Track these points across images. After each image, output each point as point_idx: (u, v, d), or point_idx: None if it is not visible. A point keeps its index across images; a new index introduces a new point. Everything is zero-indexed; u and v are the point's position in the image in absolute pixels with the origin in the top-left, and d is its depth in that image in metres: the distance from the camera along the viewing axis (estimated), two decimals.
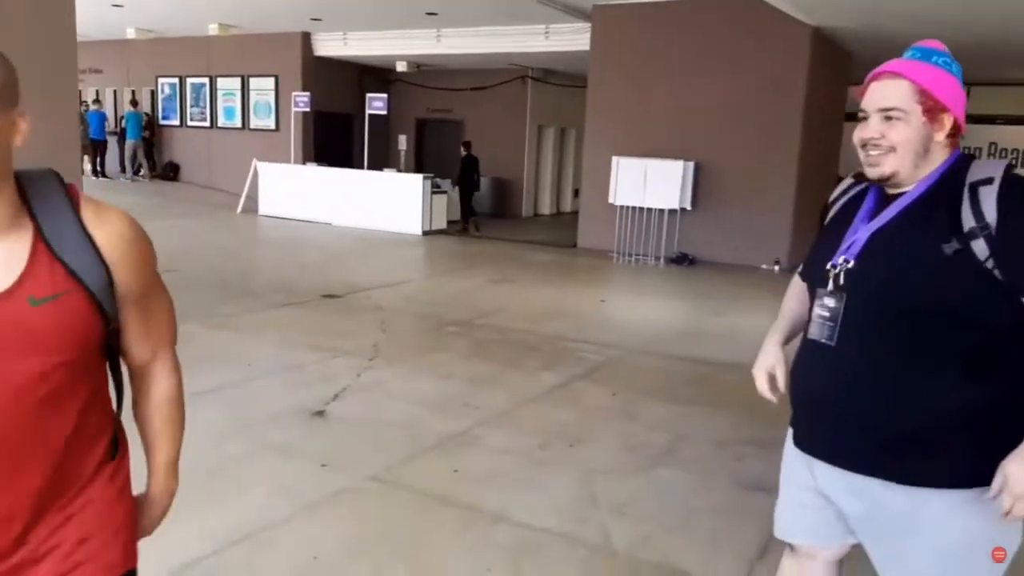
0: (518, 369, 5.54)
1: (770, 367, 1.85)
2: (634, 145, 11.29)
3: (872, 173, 1.61)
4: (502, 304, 7.94)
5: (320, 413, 4.48)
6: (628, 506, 3.44)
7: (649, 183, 10.95)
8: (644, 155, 11.05)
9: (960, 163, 1.58)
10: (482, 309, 7.59)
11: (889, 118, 1.56)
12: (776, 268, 10.74)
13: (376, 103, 13.76)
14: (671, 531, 3.24)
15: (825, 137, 12.29)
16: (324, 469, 3.70)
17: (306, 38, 16.00)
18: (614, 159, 11.18)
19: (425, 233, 13.15)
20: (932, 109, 1.55)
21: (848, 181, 1.81)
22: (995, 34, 10.31)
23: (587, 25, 11.99)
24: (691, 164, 10.96)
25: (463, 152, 14.37)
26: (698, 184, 11.10)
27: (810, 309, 1.72)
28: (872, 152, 1.59)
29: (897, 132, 1.55)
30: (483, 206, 17.11)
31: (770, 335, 1.92)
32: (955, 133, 1.59)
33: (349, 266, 10.05)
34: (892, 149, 1.56)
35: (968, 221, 1.48)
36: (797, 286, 1.94)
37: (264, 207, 14.72)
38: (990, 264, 1.46)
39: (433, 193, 13.52)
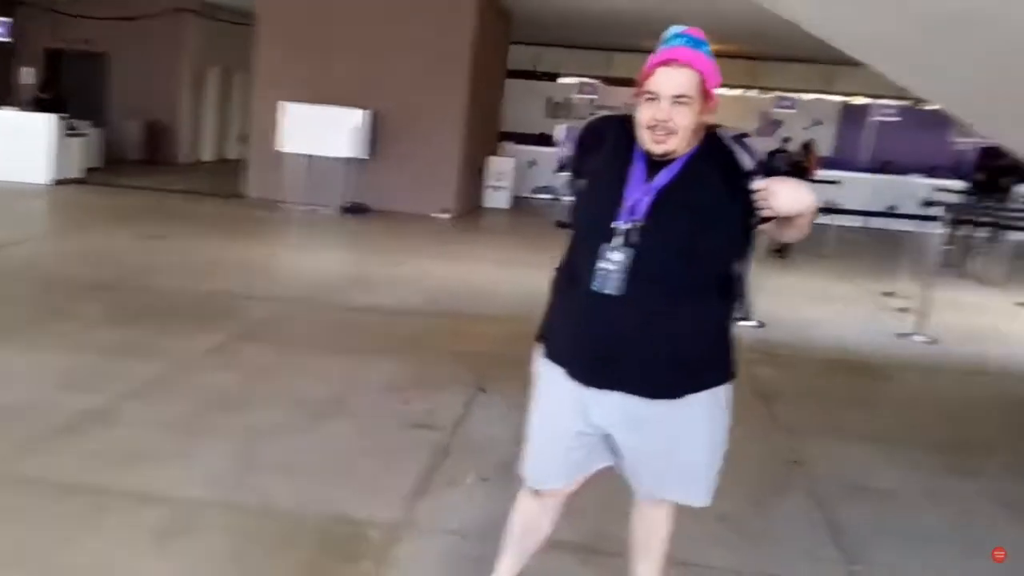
0: (169, 333, 5.03)
1: None
2: (308, 91, 10.76)
3: (658, 149, 1.80)
4: (154, 262, 7.20)
5: None
6: (292, 464, 3.32)
7: (324, 131, 10.60)
8: (318, 102, 10.63)
9: (716, 132, 1.88)
10: (129, 269, 6.81)
11: (678, 103, 1.76)
12: (445, 215, 11.13)
13: None
14: (336, 481, 3.19)
15: (490, 92, 12.91)
16: None
17: None
18: (283, 105, 10.63)
19: (57, 182, 11.40)
20: (706, 95, 1.79)
21: (605, 123, 2.00)
22: (634, 5, 11.52)
23: None
24: (368, 112, 10.83)
25: None
26: (374, 134, 11.02)
27: (580, 260, 1.89)
28: (659, 133, 1.78)
29: (682, 116, 1.77)
30: (131, 151, 15.36)
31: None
32: (710, 109, 1.83)
33: None
34: (675, 131, 1.78)
35: (747, 164, 1.81)
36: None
37: None
38: (746, 215, 1.80)
39: (68, 135, 11.77)
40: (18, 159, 11.28)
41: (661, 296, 1.82)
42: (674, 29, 1.85)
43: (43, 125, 11.47)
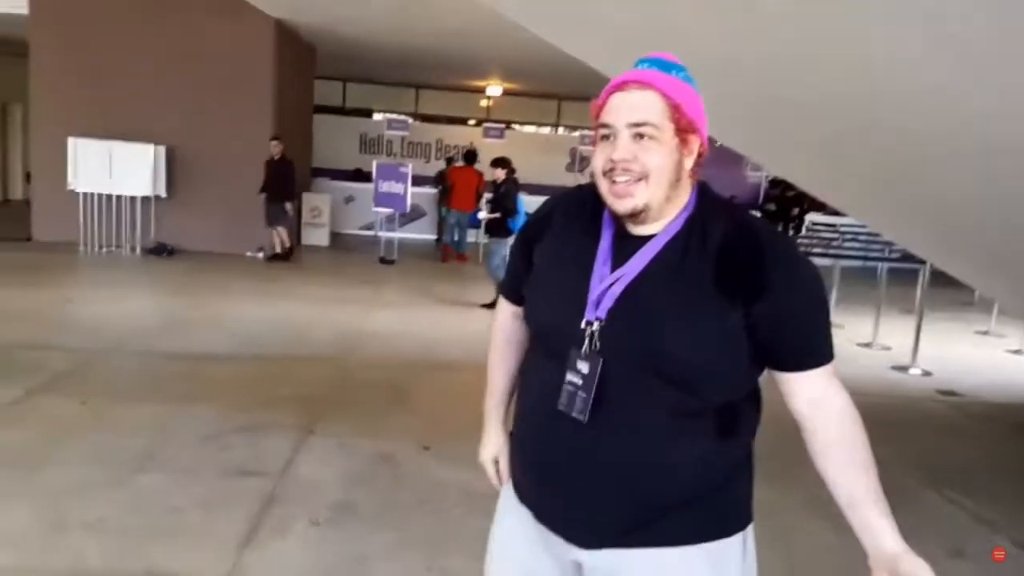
0: None
1: (494, 456, 1.67)
2: (93, 125, 10.20)
3: (622, 207, 1.32)
4: None
5: None
6: (104, 521, 3.18)
7: (116, 168, 10.04)
8: (107, 137, 10.08)
9: (706, 198, 1.39)
10: None
11: (640, 135, 1.30)
12: (260, 255, 10.86)
13: None
14: (155, 537, 3.09)
15: (298, 127, 12.78)
16: None
17: None
18: (71, 140, 9.97)
19: None
20: (684, 129, 1.32)
21: (553, 201, 1.53)
22: (434, 44, 11.92)
23: None
24: (163, 148, 10.38)
25: None
26: (172, 170, 10.57)
27: (548, 367, 1.41)
28: (620, 179, 1.31)
29: (651, 154, 1.30)
30: None
31: (488, 416, 1.69)
32: (699, 162, 1.36)
33: None
34: (644, 176, 1.30)
35: (730, 286, 1.29)
36: (501, 347, 1.69)
37: None
38: (750, 336, 1.31)
39: None
40: None
41: (633, 423, 1.34)
42: (641, 58, 1.39)
43: None
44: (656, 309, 1.31)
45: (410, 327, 7.43)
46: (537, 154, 16.61)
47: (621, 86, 1.33)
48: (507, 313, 1.66)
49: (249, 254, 10.77)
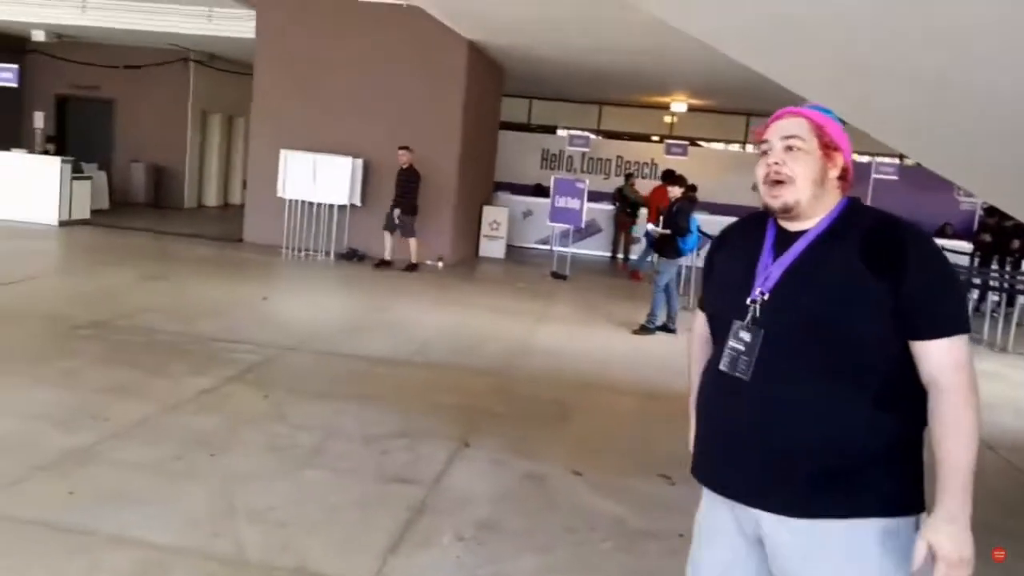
0: (161, 374, 5.13)
1: None
2: (301, 139, 11.08)
3: (775, 204, 1.67)
4: (152, 303, 7.30)
5: None
6: (268, 512, 3.36)
7: (319, 178, 10.81)
8: (313, 149, 10.89)
9: (855, 204, 1.71)
10: (127, 309, 6.91)
11: (790, 148, 1.65)
12: (440, 264, 11.26)
13: (4, 74, 11.82)
14: (310, 533, 3.22)
15: (483, 143, 13.16)
16: None
17: None
18: (282, 152, 10.87)
19: (63, 223, 11.62)
20: (827, 145, 1.66)
21: (734, 223, 1.90)
22: (623, 62, 11.85)
23: (253, 12, 11.47)
24: (360, 161, 11.04)
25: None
26: (367, 181, 11.22)
27: (716, 341, 1.74)
28: (773, 183, 1.66)
29: (797, 163, 1.64)
30: (137, 194, 15.62)
31: (691, 412, 1.87)
32: (845, 177, 1.69)
33: None
34: (792, 180, 1.64)
35: (874, 262, 1.56)
36: (697, 349, 1.92)
37: None
38: (891, 305, 1.54)
39: (74, 178, 12.00)
40: (27, 200, 11.57)
41: (791, 385, 1.59)
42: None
43: (51, 168, 11.71)
44: (809, 283, 1.61)
45: (577, 344, 7.37)
46: (722, 172, 16.04)
47: (779, 116, 1.73)
48: (701, 319, 1.92)
49: (429, 262, 11.20)
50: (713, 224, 10.59)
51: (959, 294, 1.65)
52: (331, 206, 11.01)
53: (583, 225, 12.39)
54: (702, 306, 1.91)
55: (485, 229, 13.00)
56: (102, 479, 3.53)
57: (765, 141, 1.71)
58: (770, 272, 1.66)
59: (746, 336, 1.64)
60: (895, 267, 1.54)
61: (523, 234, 14.51)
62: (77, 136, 15.70)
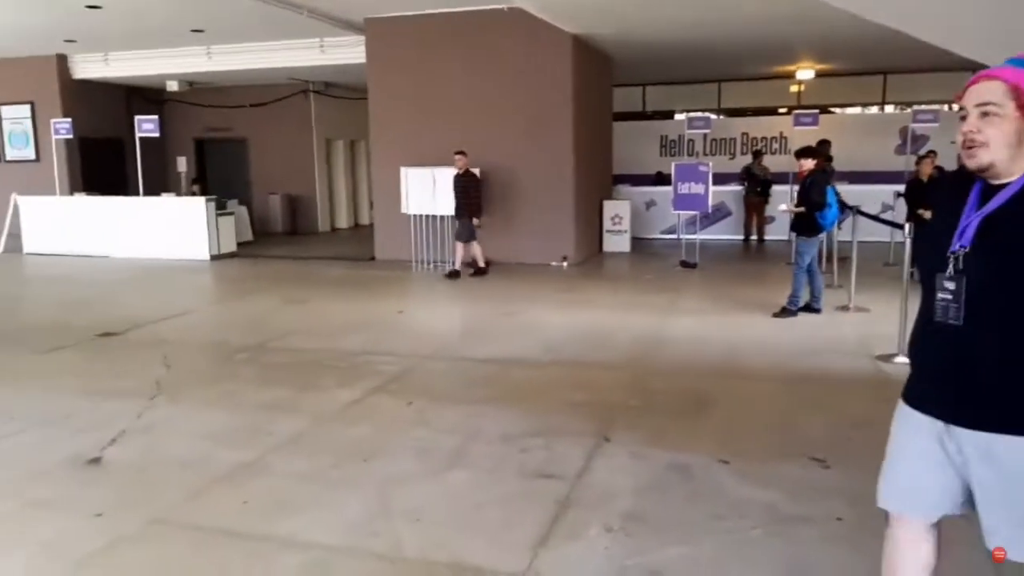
0: (312, 389, 5.46)
1: None
2: (419, 154, 11.44)
3: (970, 164, 1.82)
4: (296, 324, 7.77)
5: (95, 460, 4.19)
6: (421, 512, 3.51)
7: (438, 191, 11.13)
8: (430, 164, 11.22)
9: None
10: (275, 331, 7.39)
11: (985, 114, 1.77)
12: (564, 264, 11.32)
13: (146, 125, 12.92)
14: (461, 529, 3.35)
15: (598, 137, 13.12)
16: (100, 519, 3.47)
17: (62, 60, 14.78)
18: (403, 169, 11.26)
19: (214, 257, 12.54)
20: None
21: (944, 176, 2.17)
22: (734, 34, 11.48)
23: (362, 38, 11.97)
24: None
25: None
26: (485, 189, 11.43)
27: (929, 295, 1.91)
28: (969, 146, 1.80)
29: (991, 127, 1.76)
30: (276, 224, 16.60)
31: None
32: None
33: (129, 300, 9.38)
34: (986, 143, 1.77)
35: None
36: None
37: (30, 244, 13.49)
38: None
39: (219, 215, 12.93)
40: (180, 239, 12.58)
41: (999, 325, 1.78)
42: (1009, 58, 1.83)
43: (198, 207, 12.68)
44: (1006, 234, 1.76)
45: (711, 333, 7.22)
46: (860, 138, 15.22)
47: (975, 81, 1.81)
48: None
49: (554, 264, 11.28)
50: (854, 195, 10.08)
51: None
52: (452, 217, 11.29)
53: (710, 210, 12.11)
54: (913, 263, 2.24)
55: (607, 224, 12.95)
56: (269, 489, 3.81)
57: (962, 108, 1.82)
58: (970, 222, 1.81)
59: (951, 285, 1.82)
60: None
61: (647, 225, 14.35)
62: (216, 175, 16.90)
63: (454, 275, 10.59)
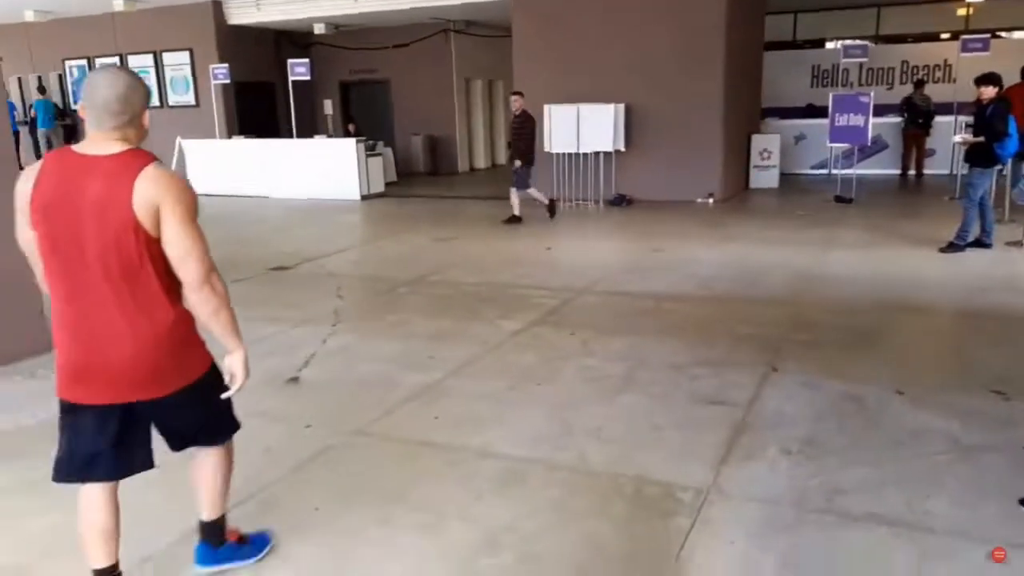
0: (477, 320, 5.74)
1: None
2: (563, 92, 11.41)
3: None
4: (451, 260, 8.10)
5: (294, 379, 4.61)
6: (599, 430, 3.71)
7: (582, 128, 11.12)
8: (574, 101, 11.20)
9: None
10: (432, 267, 7.74)
11: None
12: (710, 201, 11.12)
13: (298, 69, 13.54)
14: (642, 448, 3.52)
15: (748, 68, 12.62)
16: (309, 430, 3.86)
17: (217, 7, 15.56)
18: (546, 107, 11.30)
19: (364, 197, 13.13)
20: None
21: None
22: None
23: None
24: (621, 107, 11.16)
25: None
26: (629, 125, 11.32)
27: None
28: None
29: None
30: (417, 164, 17.09)
31: None
32: None
33: (293, 237, 10.03)
34: None
35: None
36: None
37: (195, 186, 14.40)
38: None
39: (368, 156, 13.47)
40: (333, 179, 13.21)
41: None
42: None
43: (349, 149, 13.25)
44: None
45: (874, 268, 6.98)
46: None
47: None
48: None
49: (700, 200, 11.11)
50: None
51: None
52: (596, 155, 11.29)
53: (870, 143, 11.49)
54: None
55: (755, 159, 12.55)
56: (453, 407, 4.10)
57: None
58: None
59: None
60: None
61: (797, 160, 13.78)
62: (360, 117, 17.48)
63: (513, 220, 10.03)
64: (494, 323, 5.66)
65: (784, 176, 12.86)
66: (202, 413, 2.44)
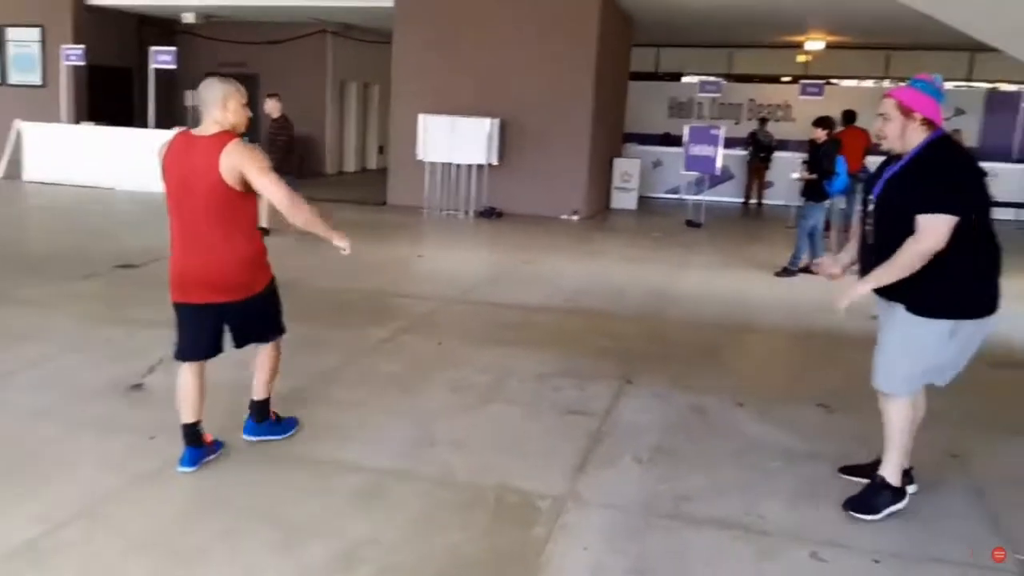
0: (343, 327, 5.66)
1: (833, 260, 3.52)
2: (440, 103, 11.49)
3: (883, 146, 3.09)
4: (316, 264, 7.91)
5: (138, 387, 4.35)
6: (464, 441, 3.77)
7: (456, 140, 11.22)
8: (453, 113, 11.27)
9: (932, 141, 2.98)
10: (297, 271, 7.52)
11: (882, 117, 3.03)
12: (575, 217, 11.49)
13: (162, 57, 12.88)
14: (505, 456, 3.61)
15: (614, 95, 13.18)
16: (152, 442, 3.64)
17: None
18: (421, 117, 11.33)
19: None
20: (906, 112, 2.98)
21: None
22: (752, 1, 11.51)
23: None
24: (497, 121, 11.35)
25: None
26: (504, 141, 11.53)
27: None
28: (880, 136, 3.06)
29: (886, 127, 3.02)
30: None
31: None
32: (927, 123, 2.97)
33: (142, 233, 9.46)
34: (885, 137, 3.04)
35: (920, 173, 2.94)
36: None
37: (30, 172, 13.33)
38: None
39: None
40: None
41: (886, 245, 2.98)
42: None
43: None
44: (894, 189, 3.01)
45: (720, 288, 7.48)
46: (862, 110, 15.31)
47: (885, 96, 3.06)
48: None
49: (565, 216, 11.45)
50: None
51: (940, 192, 2.92)
52: (469, 166, 11.42)
53: (718, 172, 12.28)
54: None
55: (616, 181, 13.10)
56: (318, 417, 3.99)
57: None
58: (879, 183, 3.07)
59: (870, 220, 3.10)
60: (922, 177, 2.93)
61: (653, 184, 14.49)
62: None
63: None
64: (361, 330, 5.60)
65: (641, 198, 13.50)
66: (262, 315, 3.47)
